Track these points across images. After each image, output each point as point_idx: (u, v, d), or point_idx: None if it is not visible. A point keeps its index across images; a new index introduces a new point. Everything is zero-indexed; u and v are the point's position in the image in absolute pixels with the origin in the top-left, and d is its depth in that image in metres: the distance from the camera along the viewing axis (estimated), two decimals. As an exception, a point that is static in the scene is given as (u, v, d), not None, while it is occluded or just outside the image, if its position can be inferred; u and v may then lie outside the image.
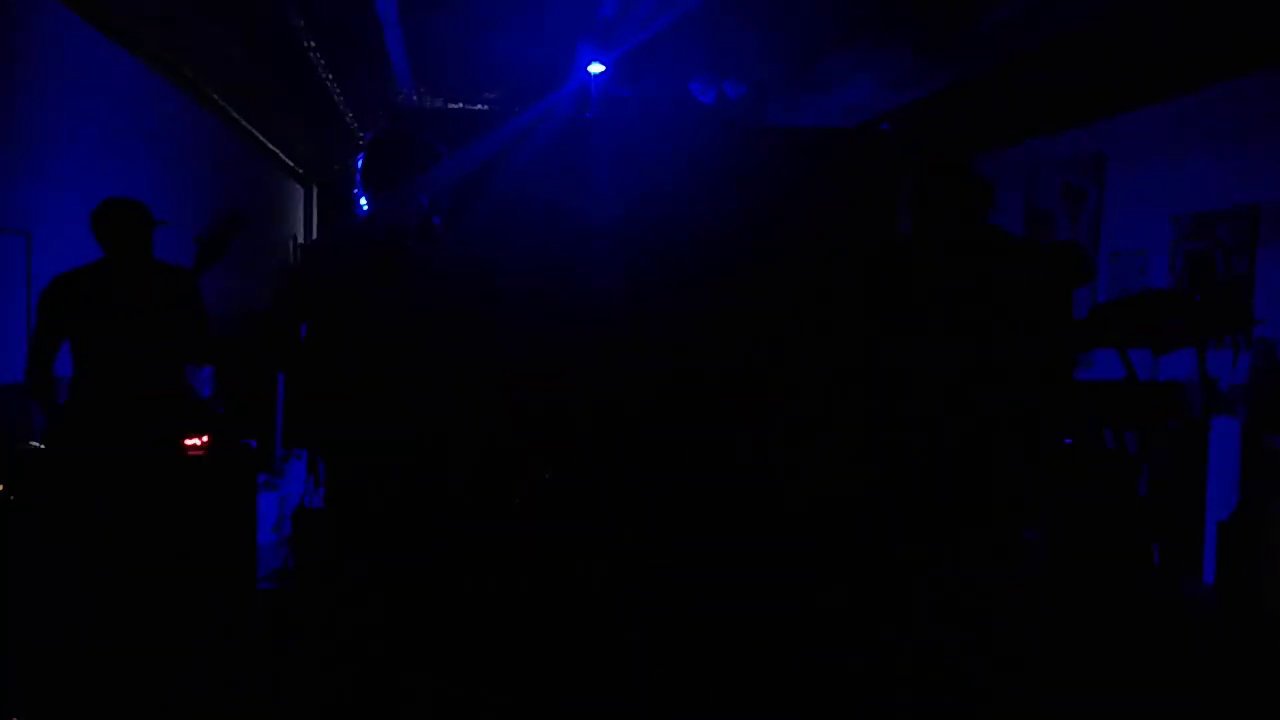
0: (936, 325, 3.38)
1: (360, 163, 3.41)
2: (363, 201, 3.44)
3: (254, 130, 9.50)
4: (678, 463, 5.30)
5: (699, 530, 4.84)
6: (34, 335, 4.09)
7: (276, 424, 7.04)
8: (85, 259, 4.30)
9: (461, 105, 8.24)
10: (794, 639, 4.66)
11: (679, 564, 4.67)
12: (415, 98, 7.99)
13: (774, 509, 5.35)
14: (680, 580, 4.74)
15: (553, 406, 5.26)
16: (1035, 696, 4.04)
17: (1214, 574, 5.09)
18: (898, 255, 3.52)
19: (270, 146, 10.44)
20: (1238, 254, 5.65)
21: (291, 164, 11.70)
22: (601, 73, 6.53)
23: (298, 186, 12.66)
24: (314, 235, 13.18)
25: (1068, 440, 4.97)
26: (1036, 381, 4.35)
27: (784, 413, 6.25)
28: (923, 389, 3.40)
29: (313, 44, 6.71)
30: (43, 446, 4.24)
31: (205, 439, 4.83)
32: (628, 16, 5.97)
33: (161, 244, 4.49)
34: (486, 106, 8.25)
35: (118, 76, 6.38)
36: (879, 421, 3.52)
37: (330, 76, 7.55)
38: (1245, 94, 5.68)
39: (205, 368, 6.06)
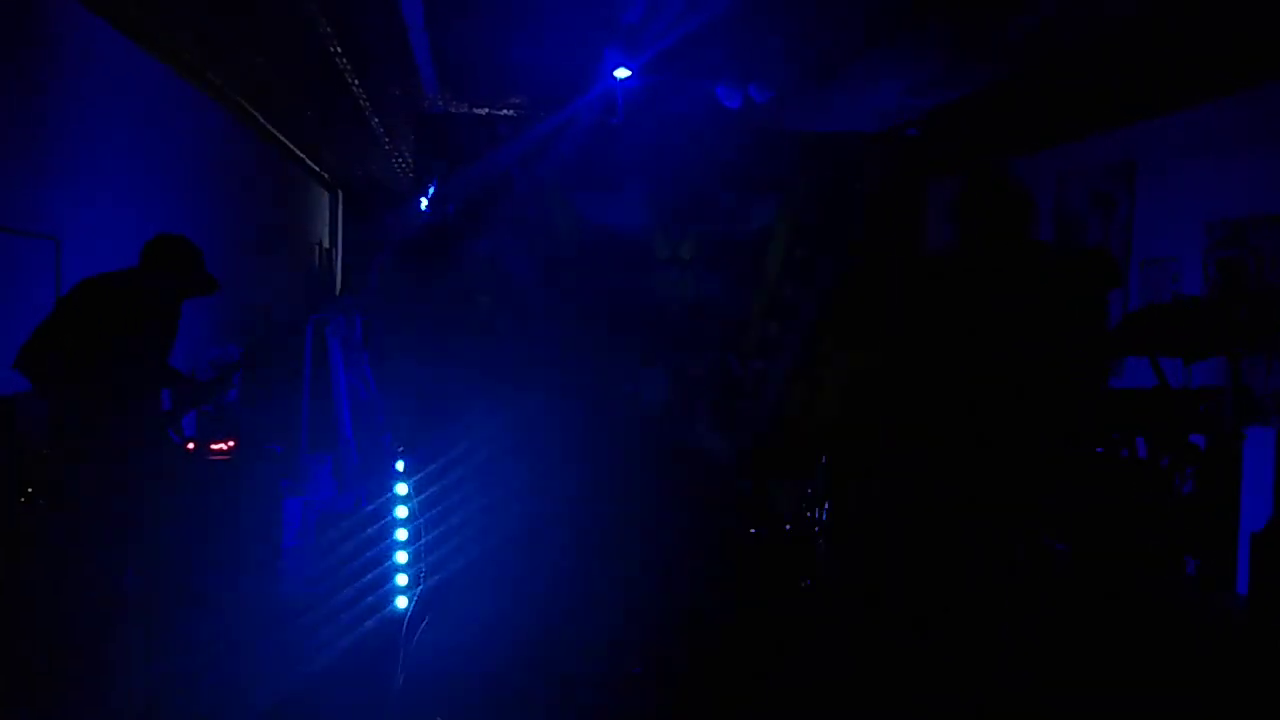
0: (968, 334, 3.35)
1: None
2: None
3: (280, 135, 9.54)
4: (694, 463, 5.28)
5: (711, 532, 4.80)
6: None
7: (302, 429, 7.06)
8: (113, 263, 4.32)
9: (488, 111, 8.25)
10: (811, 640, 4.63)
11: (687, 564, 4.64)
12: (441, 103, 8.00)
13: (794, 517, 5.31)
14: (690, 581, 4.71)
15: (579, 406, 5.25)
16: (1061, 704, 4.00)
17: (1248, 585, 5.01)
18: (934, 265, 3.50)
19: (297, 152, 10.48)
20: (1271, 261, 5.57)
21: (317, 169, 11.74)
22: (627, 78, 6.52)
23: (324, 192, 12.71)
24: (340, 240, 13.24)
25: (1099, 449, 4.92)
26: (1068, 390, 4.30)
27: (812, 413, 6.21)
28: (953, 396, 3.37)
29: (339, 49, 6.73)
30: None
31: (231, 443, 4.84)
32: (653, 21, 5.95)
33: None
34: (512, 112, 8.26)
35: (146, 82, 6.42)
36: (910, 428, 3.49)
37: (356, 82, 7.57)
38: (1278, 99, 5.61)
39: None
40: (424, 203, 3.40)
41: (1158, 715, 3.99)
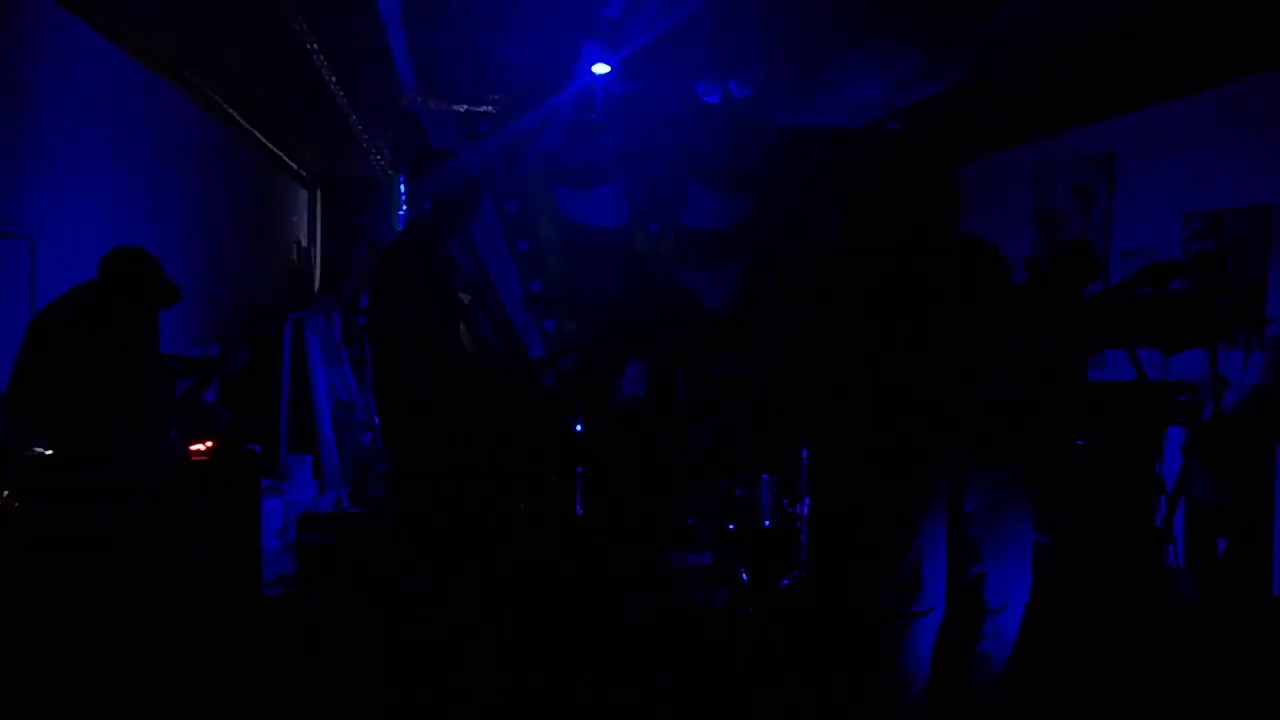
0: (944, 327, 3.35)
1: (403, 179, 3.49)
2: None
3: (257, 133, 9.49)
4: (683, 461, 5.29)
5: (706, 528, 4.80)
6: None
7: (281, 429, 7.02)
8: (88, 265, 4.29)
9: (466, 108, 8.22)
10: (802, 637, 4.63)
11: (685, 562, 4.64)
12: (419, 100, 7.96)
13: (782, 514, 5.31)
14: (685, 577, 4.70)
15: (561, 406, 5.24)
16: (1047, 699, 4.01)
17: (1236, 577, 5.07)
18: (899, 257, 3.49)
19: (274, 150, 10.42)
20: (1250, 253, 5.60)
21: (295, 167, 11.68)
22: (606, 74, 6.50)
23: (301, 190, 12.65)
24: (319, 238, 13.19)
25: (1080, 442, 4.94)
26: (1047, 383, 4.32)
27: (792, 414, 6.21)
28: (932, 390, 3.37)
29: (315, 46, 6.69)
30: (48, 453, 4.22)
31: (210, 444, 4.81)
32: (632, 17, 5.94)
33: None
34: (491, 109, 8.23)
35: (122, 81, 6.36)
36: (886, 424, 3.48)
37: (334, 79, 7.52)
38: (1257, 91, 5.63)
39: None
40: (402, 202, 3.43)
41: (1133, 704, 4.02)
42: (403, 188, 3.46)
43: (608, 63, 6.37)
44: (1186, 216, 6.06)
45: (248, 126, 9.10)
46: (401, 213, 3.36)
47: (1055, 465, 4.74)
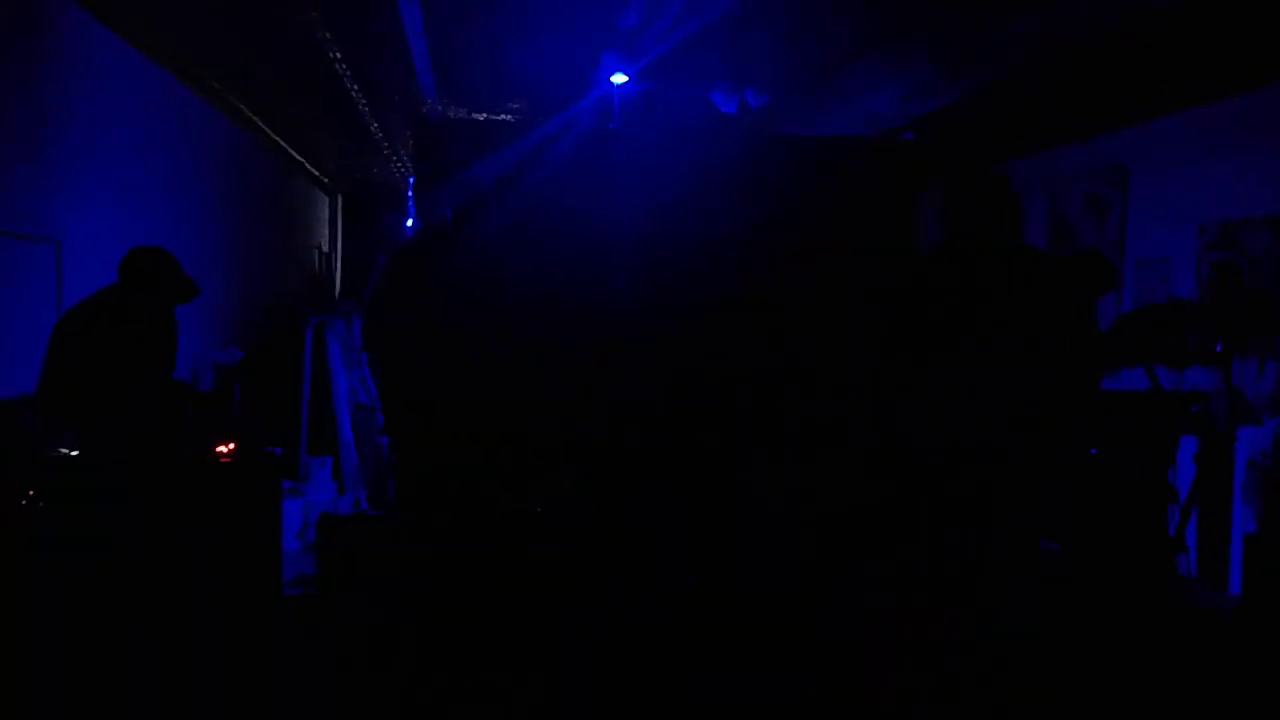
0: (960, 334, 3.38)
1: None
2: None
3: (280, 140, 9.59)
4: (690, 469, 5.31)
5: (708, 537, 4.84)
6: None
7: (302, 432, 7.09)
8: (114, 268, 4.37)
9: (486, 116, 8.30)
10: (802, 646, 4.66)
11: (685, 569, 4.67)
12: (440, 108, 8.05)
13: (786, 517, 5.35)
14: (687, 585, 4.73)
15: (570, 411, 5.29)
16: (1052, 705, 4.03)
17: (1240, 586, 5.05)
18: (921, 265, 3.53)
19: (296, 156, 10.53)
20: (1264, 264, 5.61)
21: (317, 173, 11.79)
22: (624, 83, 6.57)
23: (323, 196, 12.76)
24: (340, 243, 13.30)
25: (1093, 451, 4.96)
26: (1061, 391, 4.35)
27: (801, 421, 6.25)
28: (943, 399, 3.40)
29: (338, 55, 6.78)
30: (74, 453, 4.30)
31: (232, 446, 4.88)
32: (650, 27, 6.00)
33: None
34: (511, 117, 8.30)
35: (147, 88, 6.46)
36: (897, 431, 3.52)
37: (356, 87, 7.61)
38: (1271, 102, 5.65)
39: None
40: (410, 208, 3.52)
41: (1149, 714, 4.02)
42: (411, 195, 3.51)
43: (626, 71, 6.44)
44: (1201, 227, 6.07)
45: (271, 134, 9.20)
46: (409, 221, 3.44)
47: (1066, 472, 4.76)
